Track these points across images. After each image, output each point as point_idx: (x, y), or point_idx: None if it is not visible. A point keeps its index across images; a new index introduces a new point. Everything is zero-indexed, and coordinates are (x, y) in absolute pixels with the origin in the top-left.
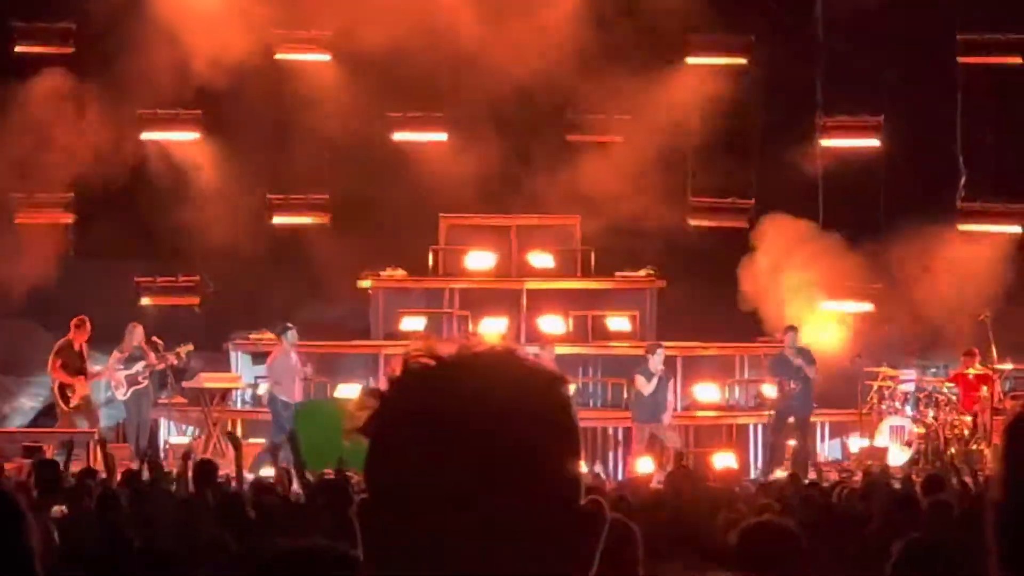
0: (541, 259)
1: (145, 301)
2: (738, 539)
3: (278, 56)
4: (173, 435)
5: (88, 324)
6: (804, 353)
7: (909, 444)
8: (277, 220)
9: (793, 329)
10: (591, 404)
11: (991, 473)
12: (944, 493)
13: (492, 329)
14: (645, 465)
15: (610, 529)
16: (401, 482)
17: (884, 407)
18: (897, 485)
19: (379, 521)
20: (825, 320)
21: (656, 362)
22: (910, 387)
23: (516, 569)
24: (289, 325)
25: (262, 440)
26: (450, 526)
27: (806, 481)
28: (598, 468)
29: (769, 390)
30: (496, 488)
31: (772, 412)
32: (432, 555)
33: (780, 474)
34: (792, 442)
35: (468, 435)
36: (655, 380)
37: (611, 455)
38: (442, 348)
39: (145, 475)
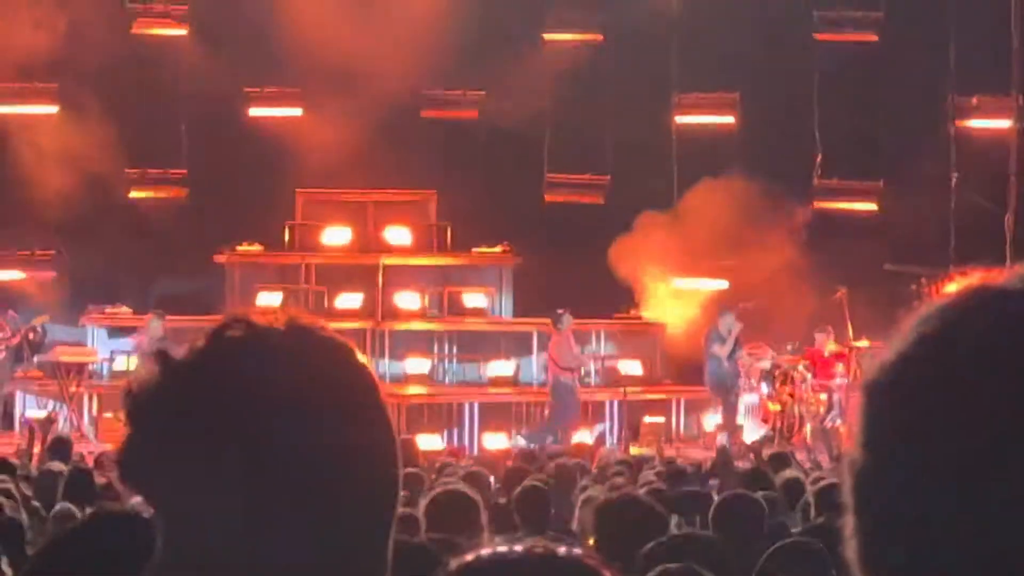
0: (397, 234)
1: (1, 275)
2: (593, 515)
3: (135, 30)
4: (31, 408)
5: None
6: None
7: (765, 422)
8: (134, 194)
9: (728, 311)
10: (446, 380)
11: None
12: (792, 470)
13: (348, 304)
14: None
15: (456, 500)
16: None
17: (740, 384)
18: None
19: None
20: (679, 297)
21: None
22: (766, 364)
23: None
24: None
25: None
26: (242, 495)
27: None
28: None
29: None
30: (289, 456)
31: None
32: (237, 526)
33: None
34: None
35: (268, 408)
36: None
37: (466, 430)
38: (248, 320)
39: None
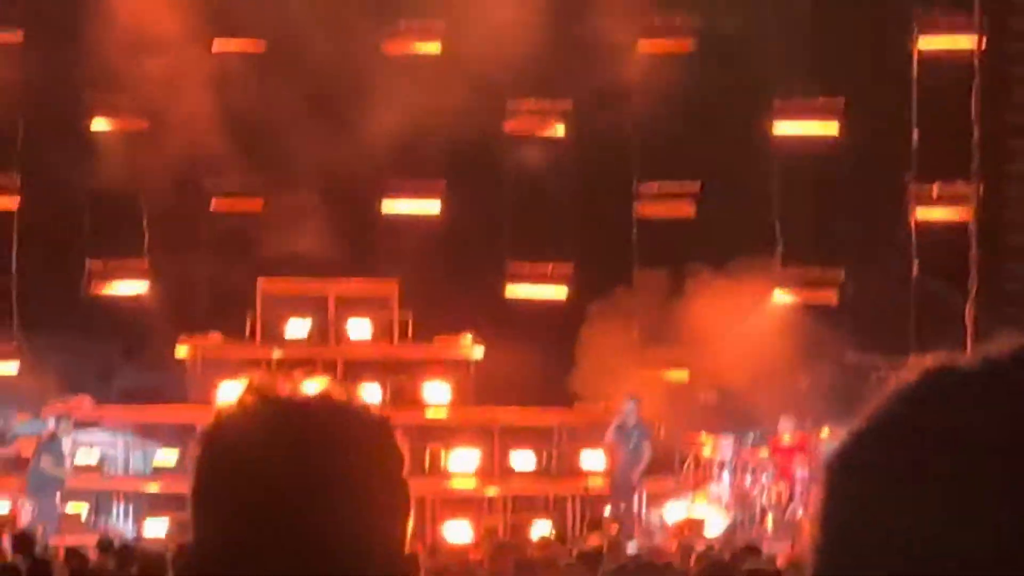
0: (358, 326)
1: None
2: None
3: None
4: None
5: None
6: (642, 425)
7: (728, 510)
8: (97, 288)
9: (634, 399)
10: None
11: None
12: (760, 560)
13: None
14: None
15: None
16: (227, 530)
17: (701, 475)
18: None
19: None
20: (639, 385)
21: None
22: (727, 454)
23: None
24: None
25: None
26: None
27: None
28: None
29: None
30: (321, 540)
31: (612, 480)
32: None
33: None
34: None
35: (292, 485)
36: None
37: (426, 524)
38: (271, 389)
39: None
